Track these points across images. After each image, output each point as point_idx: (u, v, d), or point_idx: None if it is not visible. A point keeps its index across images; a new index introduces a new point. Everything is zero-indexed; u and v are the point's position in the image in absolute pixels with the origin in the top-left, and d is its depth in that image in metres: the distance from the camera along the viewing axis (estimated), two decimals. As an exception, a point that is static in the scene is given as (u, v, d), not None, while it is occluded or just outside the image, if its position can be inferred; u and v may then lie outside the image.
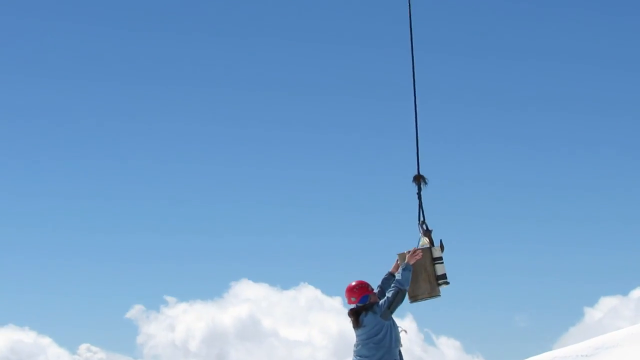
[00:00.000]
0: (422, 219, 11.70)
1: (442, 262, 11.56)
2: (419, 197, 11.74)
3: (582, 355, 59.07)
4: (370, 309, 10.87)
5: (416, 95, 12.20)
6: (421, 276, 11.37)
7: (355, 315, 10.96)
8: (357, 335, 10.96)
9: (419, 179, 11.83)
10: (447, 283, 11.55)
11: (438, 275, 11.50)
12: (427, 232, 11.67)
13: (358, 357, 10.91)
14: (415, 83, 12.28)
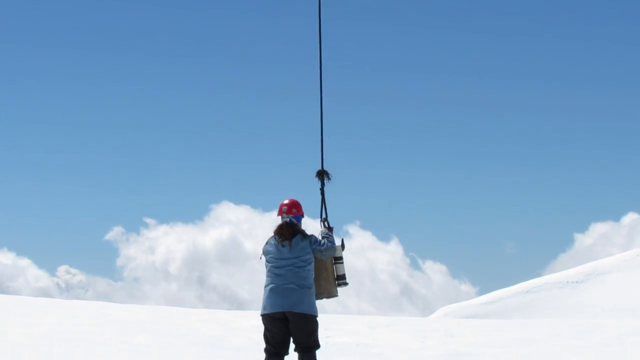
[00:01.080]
0: (324, 215, 11.25)
1: (342, 262, 11.18)
2: (322, 193, 11.31)
3: (572, 282, 61.90)
4: (304, 236, 10.45)
5: (322, 86, 11.72)
6: (321, 275, 10.96)
7: (291, 230, 10.43)
8: (282, 258, 10.32)
9: (322, 174, 11.44)
10: (346, 284, 11.20)
11: (338, 275, 11.14)
12: (329, 230, 11.15)
13: (287, 285, 10.24)
14: (322, 74, 11.73)
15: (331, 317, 21.20)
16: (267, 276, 10.25)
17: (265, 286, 10.24)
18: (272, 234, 10.44)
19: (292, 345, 10.27)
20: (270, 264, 10.26)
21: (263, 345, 10.46)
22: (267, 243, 10.40)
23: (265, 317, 10.16)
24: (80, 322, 17.55)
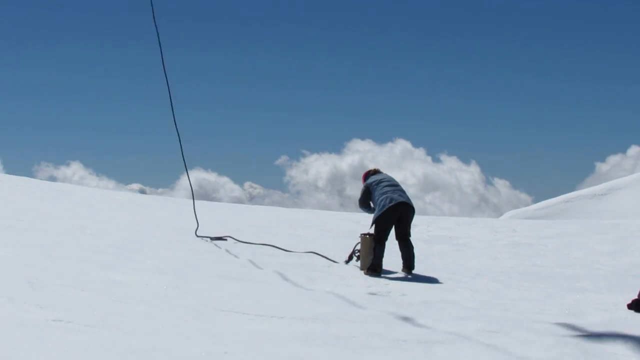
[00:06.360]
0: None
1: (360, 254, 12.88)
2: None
3: (599, 195, 72.13)
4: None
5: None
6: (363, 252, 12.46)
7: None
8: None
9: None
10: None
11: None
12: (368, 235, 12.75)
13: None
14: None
15: (431, 218, 24.29)
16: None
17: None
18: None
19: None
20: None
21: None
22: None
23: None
24: (260, 221, 20.53)
